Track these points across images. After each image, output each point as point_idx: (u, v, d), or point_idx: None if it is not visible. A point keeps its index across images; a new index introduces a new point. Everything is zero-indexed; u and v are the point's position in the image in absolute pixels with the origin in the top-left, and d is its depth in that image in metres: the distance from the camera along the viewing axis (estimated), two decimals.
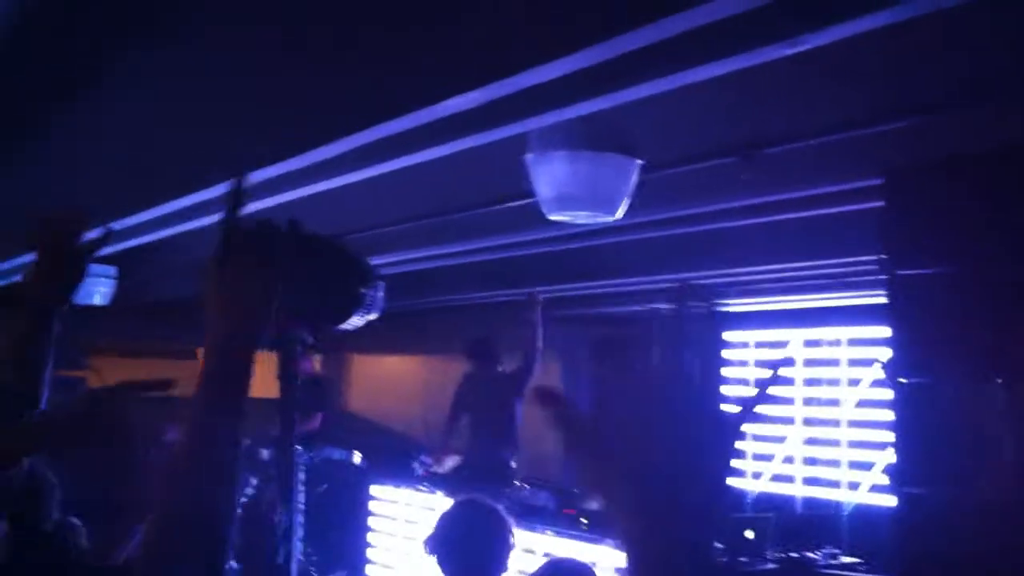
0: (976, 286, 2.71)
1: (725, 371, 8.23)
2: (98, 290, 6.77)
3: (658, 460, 0.92)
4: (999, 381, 2.61)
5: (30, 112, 3.70)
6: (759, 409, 0.99)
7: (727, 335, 8.16)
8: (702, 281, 5.96)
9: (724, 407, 1.02)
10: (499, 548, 3.02)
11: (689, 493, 0.93)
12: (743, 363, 8.11)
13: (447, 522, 3.12)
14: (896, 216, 2.87)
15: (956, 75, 2.44)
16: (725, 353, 8.20)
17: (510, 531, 3.11)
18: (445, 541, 3.05)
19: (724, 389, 8.13)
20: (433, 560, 3.06)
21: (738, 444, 1.02)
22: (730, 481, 0.99)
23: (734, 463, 0.97)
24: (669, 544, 0.89)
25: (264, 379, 1.59)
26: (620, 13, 1.71)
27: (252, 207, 3.29)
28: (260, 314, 1.39)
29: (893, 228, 2.90)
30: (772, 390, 0.99)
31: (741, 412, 1.00)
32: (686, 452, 0.93)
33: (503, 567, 3.04)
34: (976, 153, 2.68)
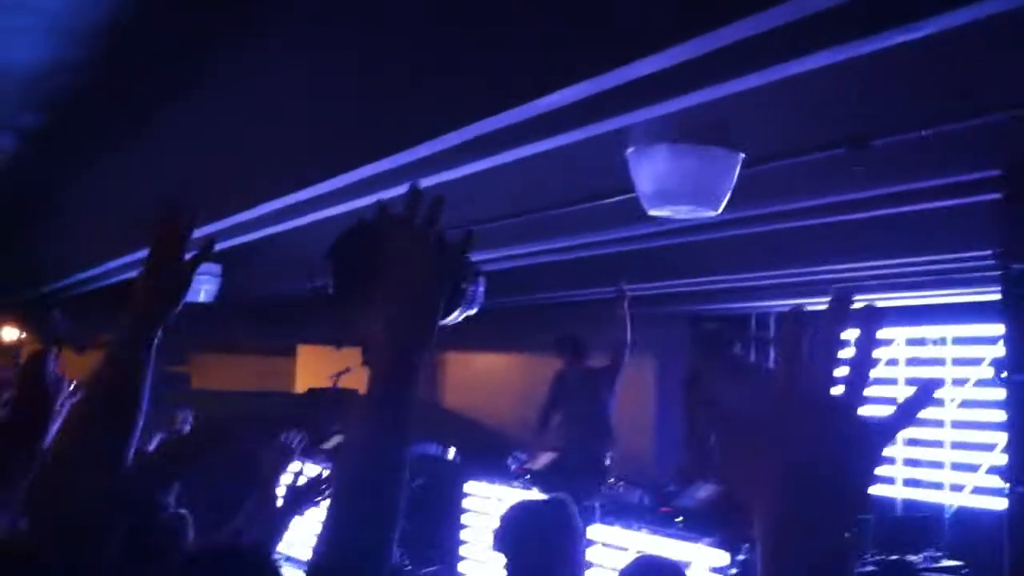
0: None
1: None
2: (203, 287, 6.95)
3: (799, 464, 0.89)
4: None
5: (142, 110, 3.81)
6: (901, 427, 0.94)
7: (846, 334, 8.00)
8: (803, 278, 5.85)
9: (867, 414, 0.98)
10: (565, 545, 2.94)
11: (831, 500, 0.90)
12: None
13: (511, 519, 3.07)
14: (1015, 210, 2.78)
15: None
16: None
17: (577, 527, 3.02)
18: (507, 538, 3.00)
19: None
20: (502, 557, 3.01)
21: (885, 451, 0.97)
22: (873, 489, 0.96)
23: (878, 471, 0.93)
24: (805, 551, 0.87)
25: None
26: (724, 3, 1.68)
27: (357, 203, 3.35)
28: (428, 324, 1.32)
29: (1011, 222, 2.81)
30: (919, 410, 0.94)
31: (890, 419, 0.95)
32: (826, 457, 0.90)
33: (573, 564, 2.97)
34: None
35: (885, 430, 0.90)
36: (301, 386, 11.09)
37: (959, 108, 2.63)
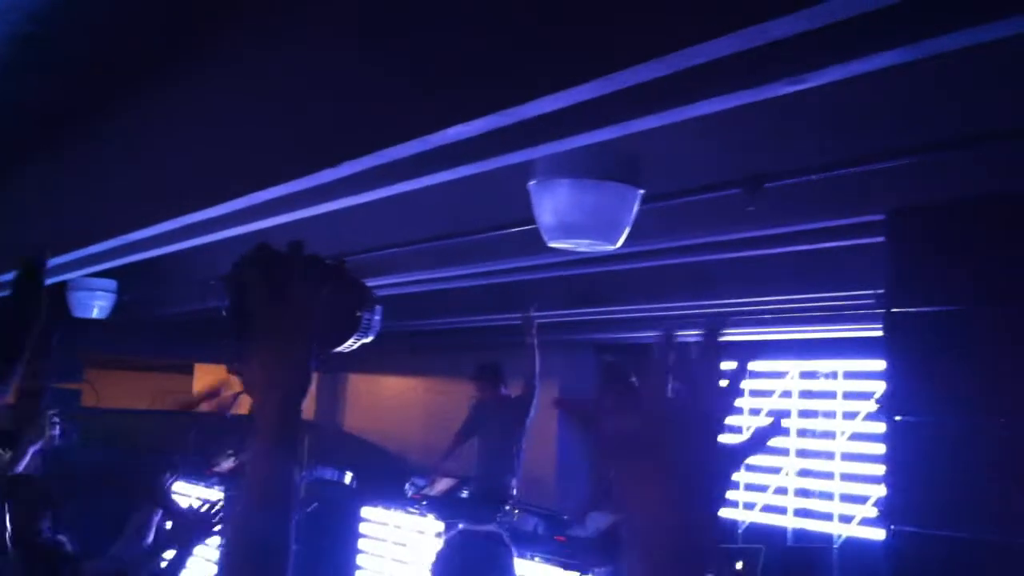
0: (974, 326, 2.72)
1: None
2: (97, 303, 6.78)
3: (663, 482, 0.96)
4: (1000, 421, 2.62)
5: (66, 123, 3.73)
6: (751, 454, 1.02)
7: (725, 365, 8.16)
8: (699, 311, 5.97)
9: (724, 438, 1.05)
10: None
11: (684, 524, 0.95)
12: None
13: (449, 551, 3.07)
14: (896, 254, 2.89)
15: (959, 118, 2.46)
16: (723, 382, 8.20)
17: (511, 558, 3.06)
18: (447, 571, 3.00)
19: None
20: None
21: (734, 476, 1.06)
22: (722, 511, 1.02)
23: (727, 494, 1.01)
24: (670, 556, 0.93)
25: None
26: (625, 48, 1.72)
27: (253, 227, 3.32)
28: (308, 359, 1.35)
29: (893, 266, 2.92)
30: (769, 438, 1.01)
31: (739, 448, 1.02)
32: (688, 477, 0.96)
33: None
34: (979, 196, 2.70)
35: (735, 456, 0.97)
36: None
37: (847, 154, 2.74)
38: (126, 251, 4.23)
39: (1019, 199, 2.65)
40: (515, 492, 6.67)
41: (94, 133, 3.93)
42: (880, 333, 3.15)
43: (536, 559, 5.23)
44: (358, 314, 2.43)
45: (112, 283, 6.81)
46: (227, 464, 7.16)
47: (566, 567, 5.03)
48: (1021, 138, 2.47)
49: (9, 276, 4.20)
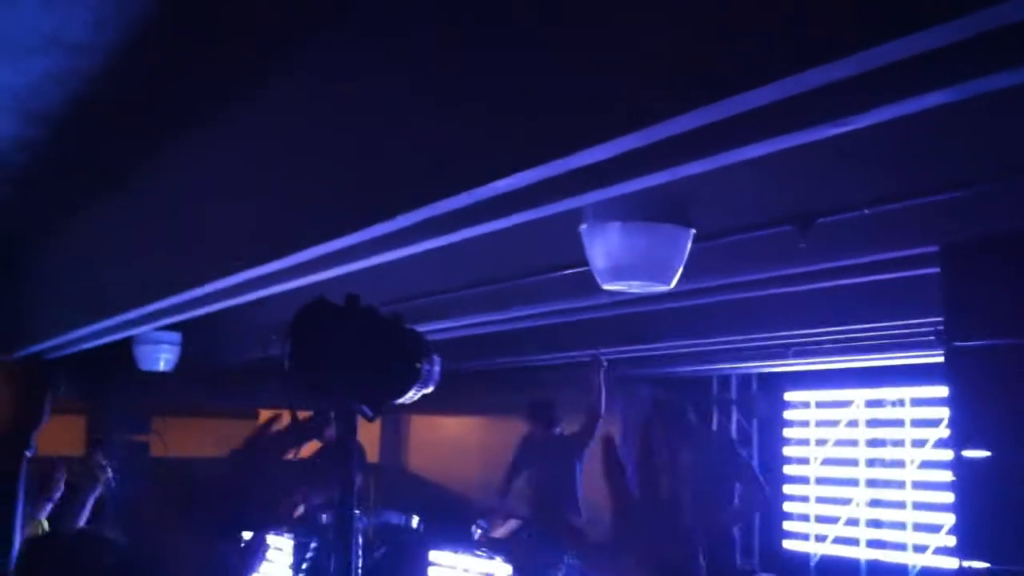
0: None
1: (786, 431, 8.13)
2: (163, 356, 6.91)
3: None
4: None
5: (105, 185, 3.83)
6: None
7: (788, 395, 8.08)
8: (758, 343, 5.93)
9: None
10: None
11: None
12: (804, 423, 8.02)
13: None
14: (952, 286, 2.86)
15: (1009, 150, 2.44)
16: (786, 413, 8.11)
17: None
18: None
19: (785, 449, 8.05)
20: None
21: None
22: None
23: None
24: None
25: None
26: (667, 99, 1.74)
27: (311, 279, 3.38)
28: None
29: (950, 299, 2.89)
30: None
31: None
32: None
33: None
34: None
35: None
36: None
37: (898, 188, 2.72)
38: (190, 306, 4.32)
39: None
40: (582, 529, 6.63)
41: (154, 187, 4.02)
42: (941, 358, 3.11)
43: None
44: (417, 366, 2.47)
45: (177, 335, 6.94)
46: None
47: None
48: None
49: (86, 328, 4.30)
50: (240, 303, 4.15)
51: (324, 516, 6.31)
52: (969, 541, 2.87)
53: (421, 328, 2.53)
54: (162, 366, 6.93)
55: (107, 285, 4.48)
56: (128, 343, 6.78)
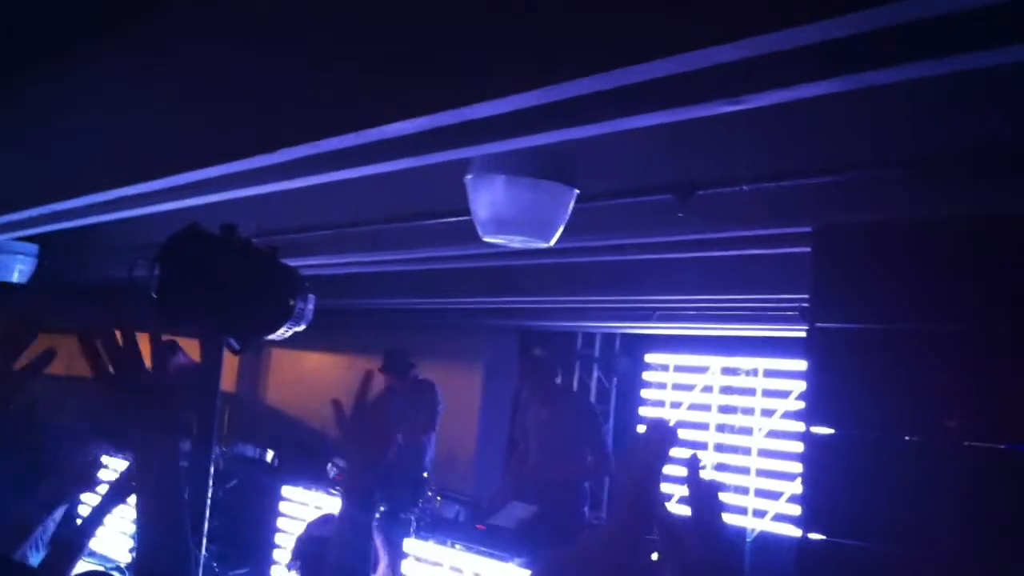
0: (892, 345, 2.81)
1: (644, 392, 8.34)
2: (17, 267, 6.64)
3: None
4: (907, 439, 2.71)
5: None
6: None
7: (648, 357, 8.28)
8: (627, 305, 6.05)
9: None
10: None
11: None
12: (662, 385, 8.24)
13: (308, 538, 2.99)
14: (822, 270, 2.96)
15: (892, 141, 2.53)
16: (645, 375, 8.32)
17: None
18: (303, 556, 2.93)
19: (641, 409, 8.26)
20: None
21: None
22: None
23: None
24: None
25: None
26: (572, 61, 1.75)
27: (184, 204, 3.29)
28: None
29: (818, 280, 2.99)
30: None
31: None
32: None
33: None
34: (907, 218, 2.78)
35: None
36: None
37: (779, 167, 2.80)
38: (51, 219, 4.16)
39: (940, 224, 2.74)
40: (426, 476, 6.74)
41: (18, 100, 3.84)
42: (801, 334, 3.22)
43: (457, 547, 5.27)
44: (291, 303, 2.43)
45: (33, 247, 6.67)
46: None
47: (487, 555, 5.07)
48: (952, 164, 2.56)
49: None
50: (109, 220, 4.02)
51: (185, 445, 6.19)
52: (812, 513, 3.01)
53: (295, 263, 2.50)
54: (16, 277, 6.65)
55: None
56: None
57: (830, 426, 2.96)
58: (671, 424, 1.19)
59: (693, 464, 1.22)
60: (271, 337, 2.39)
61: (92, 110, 3.43)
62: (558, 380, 6.62)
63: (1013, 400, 2.70)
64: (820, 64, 1.60)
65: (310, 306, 2.42)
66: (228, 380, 9.70)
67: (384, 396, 2.07)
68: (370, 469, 1.96)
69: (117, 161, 3.31)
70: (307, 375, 11.04)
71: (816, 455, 3.00)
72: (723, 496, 1.28)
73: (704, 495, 1.23)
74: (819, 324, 2.94)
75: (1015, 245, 2.76)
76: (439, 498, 6.07)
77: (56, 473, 3.21)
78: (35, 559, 2.98)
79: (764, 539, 7.19)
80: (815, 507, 2.99)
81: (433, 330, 8.04)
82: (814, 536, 2.95)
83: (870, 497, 2.87)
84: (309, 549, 2.96)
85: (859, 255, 2.89)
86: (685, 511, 1.27)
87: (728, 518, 1.27)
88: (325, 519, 3.24)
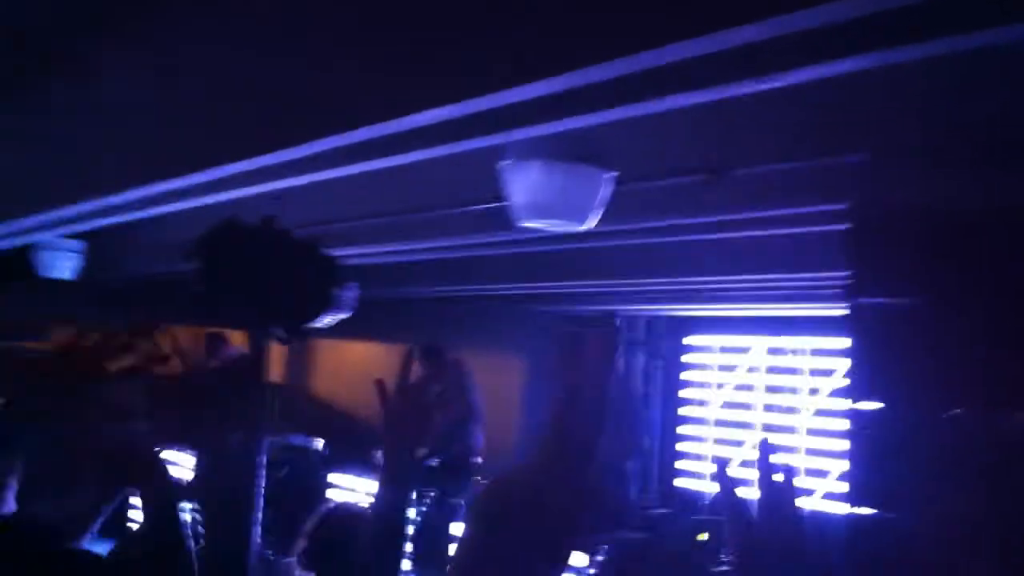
0: (933, 321, 2.79)
1: (686, 374, 8.32)
2: (66, 264, 6.76)
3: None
4: (952, 414, 2.69)
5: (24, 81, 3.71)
6: None
7: (690, 339, 8.25)
8: (668, 287, 6.03)
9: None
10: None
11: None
12: (706, 366, 8.21)
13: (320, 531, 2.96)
14: (860, 245, 2.94)
15: (928, 122, 2.51)
16: (687, 357, 8.29)
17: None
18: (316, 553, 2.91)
19: (684, 392, 8.25)
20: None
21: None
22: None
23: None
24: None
25: None
26: (595, 46, 1.75)
27: (222, 197, 3.34)
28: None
29: (856, 257, 2.97)
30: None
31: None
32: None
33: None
34: (944, 191, 2.76)
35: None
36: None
37: (813, 146, 2.78)
38: (94, 216, 4.23)
39: (979, 196, 2.71)
40: (479, 461, 6.77)
41: (61, 96, 3.90)
42: (846, 312, 3.20)
43: None
44: (333, 291, 2.47)
45: (80, 244, 6.79)
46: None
47: None
48: (988, 150, 2.53)
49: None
50: (149, 216, 4.08)
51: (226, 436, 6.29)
52: (859, 489, 3.00)
53: (337, 253, 2.53)
54: (65, 274, 6.78)
55: (7, 189, 4.35)
56: (25, 251, 6.61)
57: (874, 401, 2.95)
58: (615, 327, 1.18)
59: (764, 449, 1.21)
60: (315, 326, 2.42)
61: (132, 106, 3.48)
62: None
63: None
64: (846, 42, 1.59)
65: (352, 293, 2.46)
66: (276, 371, 9.80)
67: (425, 379, 2.08)
68: (410, 451, 1.99)
69: (160, 156, 3.35)
70: (353, 365, 11.13)
71: (861, 431, 2.99)
72: (797, 481, 1.26)
73: (776, 482, 1.22)
74: (860, 300, 2.92)
75: None
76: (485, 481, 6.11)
77: (112, 468, 3.27)
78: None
79: (815, 517, 7.16)
80: (861, 483, 2.99)
81: (474, 318, 8.07)
82: (861, 509, 2.94)
83: (915, 472, 2.86)
84: (323, 537, 2.97)
85: (898, 230, 2.86)
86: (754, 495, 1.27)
87: (803, 503, 1.25)
88: (338, 508, 3.27)
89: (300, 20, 2.66)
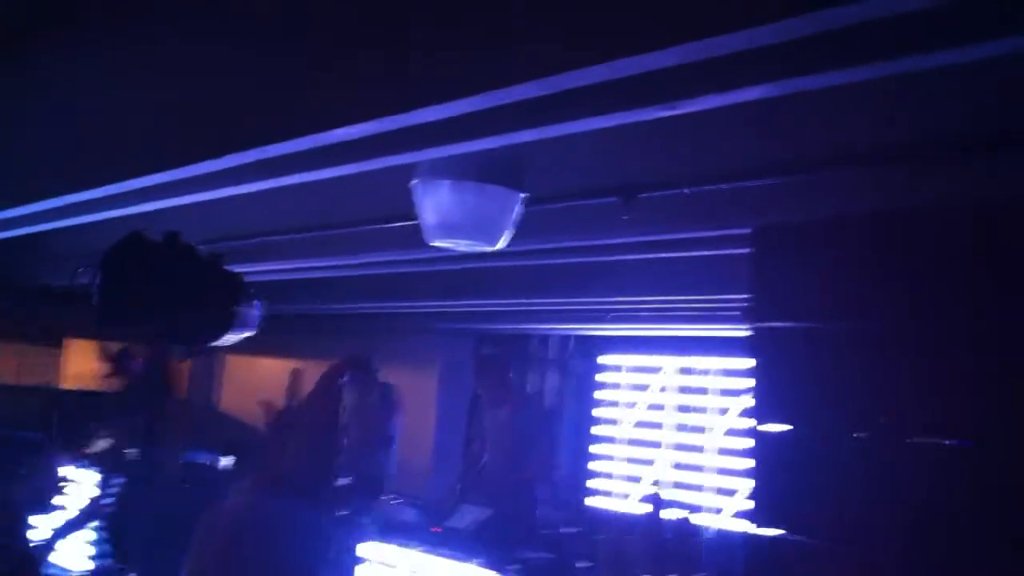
0: (835, 343, 2.86)
1: (598, 393, 8.39)
2: None
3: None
4: (855, 435, 2.76)
5: None
6: None
7: (602, 358, 8.32)
8: (579, 307, 6.08)
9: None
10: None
11: None
12: (616, 385, 8.29)
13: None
14: (762, 270, 3.01)
15: (823, 140, 2.59)
16: (599, 376, 8.36)
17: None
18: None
19: (596, 411, 8.31)
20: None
21: None
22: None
23: None
24: None
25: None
26: (509, 67, 1.77)
27: (129, 211, 3.27)
28: None
29: (758, 280, 3.03)
30: None
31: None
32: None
33: None
34: (844, 216, 2.83)
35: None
36: (69, 381, 10.54)
37: (718, 170, 2.84)
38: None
39: (876, 218, 2.79)
40: (389, 479, 6.73)
41: None
42: (748, 334, 3.26)
43: (417, 549, 5.29)
44: (235, 309, 2.43)
45: None
46: (101, 445, 6.95)
47: (446, 556, 5.09)
48: (880, 163, 2.61)
49: None
50: (53, 228, 3.97)
51: (127, 452, 6.15)
52: (765, 509, 3.05)
53: (242, 269, 2.50)
54: None
55: None
56: None
57: (779, 423, 3.00)
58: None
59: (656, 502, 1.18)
60: (216, 344, 2.39)
61: (30, 118, 3.40)
62: (511, 377, 6.60)
63: (959, 397, 2.75)
64: (755, 69, 1.63)
65: (256, 312, 2.43)
66: (181, 386, 9.62)
67: (329, 390, 2.05)
68: (323, 464, 1.91)
69: (62, 168, 3.27)
70: (263, 381, 10.96)
71: (766, 452, 3.05)
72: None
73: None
74: (761, 324, 2.98)
75: (958, 236, 2.80)
76: (398, 501, 6.07)
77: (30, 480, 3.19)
78: None
79: (722, 536, 7.25)
80: (765, 503, 3.04)
81: (388, 334, 8.02)
82: (765, 528, 2.99)
83: (819, 493, 2.92)
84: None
85: (798, 254, 2.93)
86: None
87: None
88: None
89: (209, 31, 2.64)
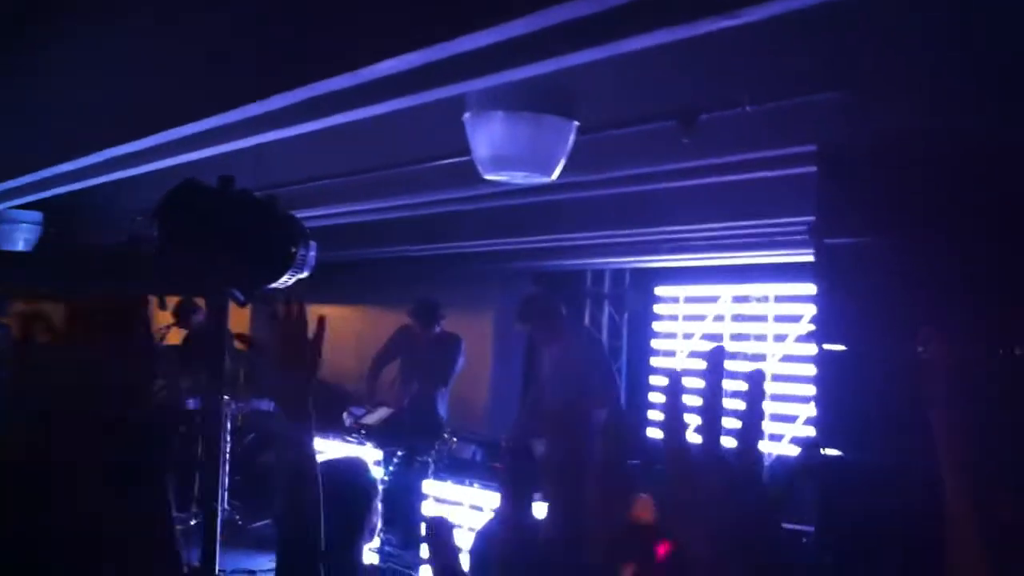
0: (900, 259, 2.77)
1: (655, 325, 8.33)
2: (22, 236, 6.62)
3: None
4: (919, 351, 2.67)
5: None
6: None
7: (658, 290, 8.25)
8: (635, 239, 6.01)
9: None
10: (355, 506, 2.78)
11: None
12: (673, 317, 8.23)
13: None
14: (826, 186, 2.92)
15: (886, 56, 2.48)
16: (656, 307, 8.30)
17: (368, 489, 2.90)
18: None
19: (653, 342, 8.26)
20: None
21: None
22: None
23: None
24: None
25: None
26: None
27: (181, 159, 3.26)
28: None
29: (823, 197, 2.95)
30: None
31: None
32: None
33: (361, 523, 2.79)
34: (910, 131, 2.73)
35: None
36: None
37: (779, 87, 2.75)
38: (49, 184, 4.14)
39: (943, 135, 2.69)
40: (444, 418, 6.81)
41: (14, 66, 3.80)
42: (810, 258, 3.19)
43: (475, 485, 5.32)
44: (292, 250, 2.41)
45: (37, 215, 6.65)
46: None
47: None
48: (951, 76, 2.51)
49: None
50: (107, 182, 3.99)
51: (191, 401, 6.24)
52: (827, 431, 3.00)
53: (298, 214, 2.47)
54: (21, 246, 6.64)
55: None
56: None
57: (841, 343, 2.94)
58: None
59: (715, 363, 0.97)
60: (275, 286, 2.37)
61: (82, 72, 3.39)
62: (560, 314, 6.55)
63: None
64: None
65: (312, 253, 2.40)
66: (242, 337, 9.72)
67: (301, 319, 2.08)
68: (302, 383, 2.07)
69: (112, 120, 3.27)
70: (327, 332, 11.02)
71: (828, 373, 2.98)
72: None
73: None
74: (826, 241, 2.90)
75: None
76: (455, 440, 6.11)
77: None
78: None
79: (782, 462, 7.22)
80: (829, 425, 2.99)
81: (444, 276, 8.02)
82: (829, 450, 2.94)
83: (882, 412, 2.86)
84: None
85: (863, 170, 2.84)
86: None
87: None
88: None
89: None
